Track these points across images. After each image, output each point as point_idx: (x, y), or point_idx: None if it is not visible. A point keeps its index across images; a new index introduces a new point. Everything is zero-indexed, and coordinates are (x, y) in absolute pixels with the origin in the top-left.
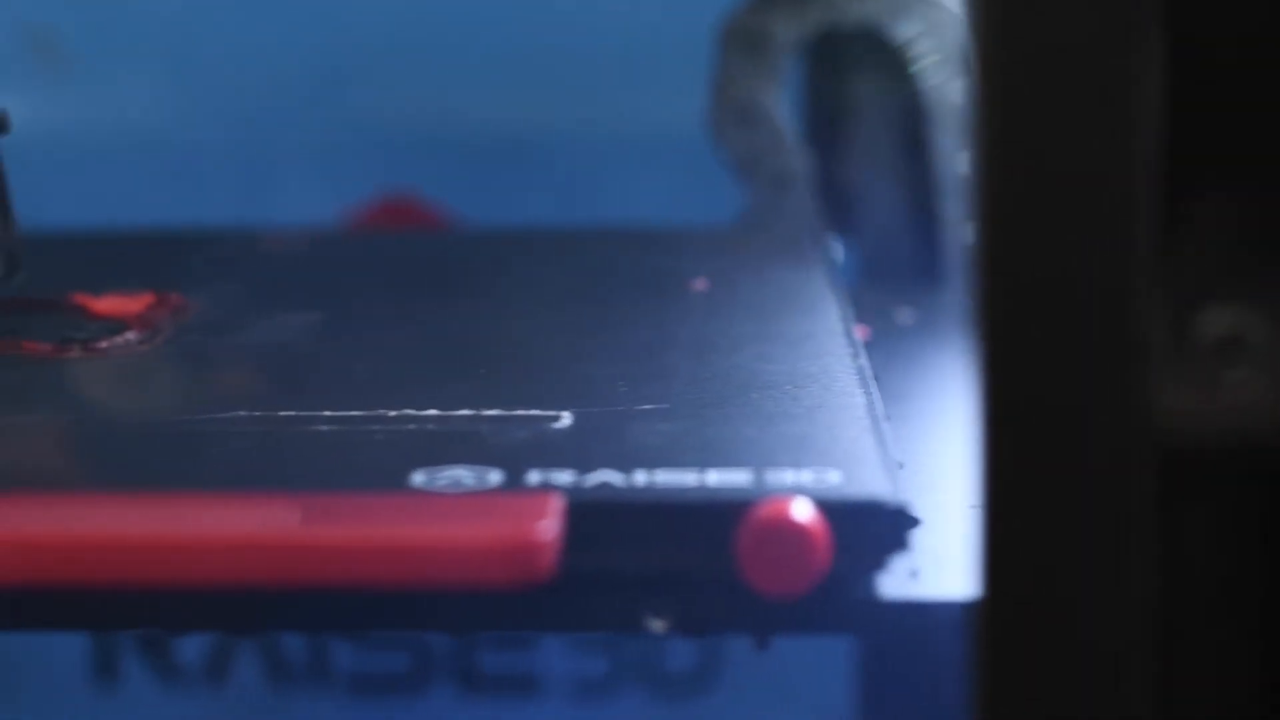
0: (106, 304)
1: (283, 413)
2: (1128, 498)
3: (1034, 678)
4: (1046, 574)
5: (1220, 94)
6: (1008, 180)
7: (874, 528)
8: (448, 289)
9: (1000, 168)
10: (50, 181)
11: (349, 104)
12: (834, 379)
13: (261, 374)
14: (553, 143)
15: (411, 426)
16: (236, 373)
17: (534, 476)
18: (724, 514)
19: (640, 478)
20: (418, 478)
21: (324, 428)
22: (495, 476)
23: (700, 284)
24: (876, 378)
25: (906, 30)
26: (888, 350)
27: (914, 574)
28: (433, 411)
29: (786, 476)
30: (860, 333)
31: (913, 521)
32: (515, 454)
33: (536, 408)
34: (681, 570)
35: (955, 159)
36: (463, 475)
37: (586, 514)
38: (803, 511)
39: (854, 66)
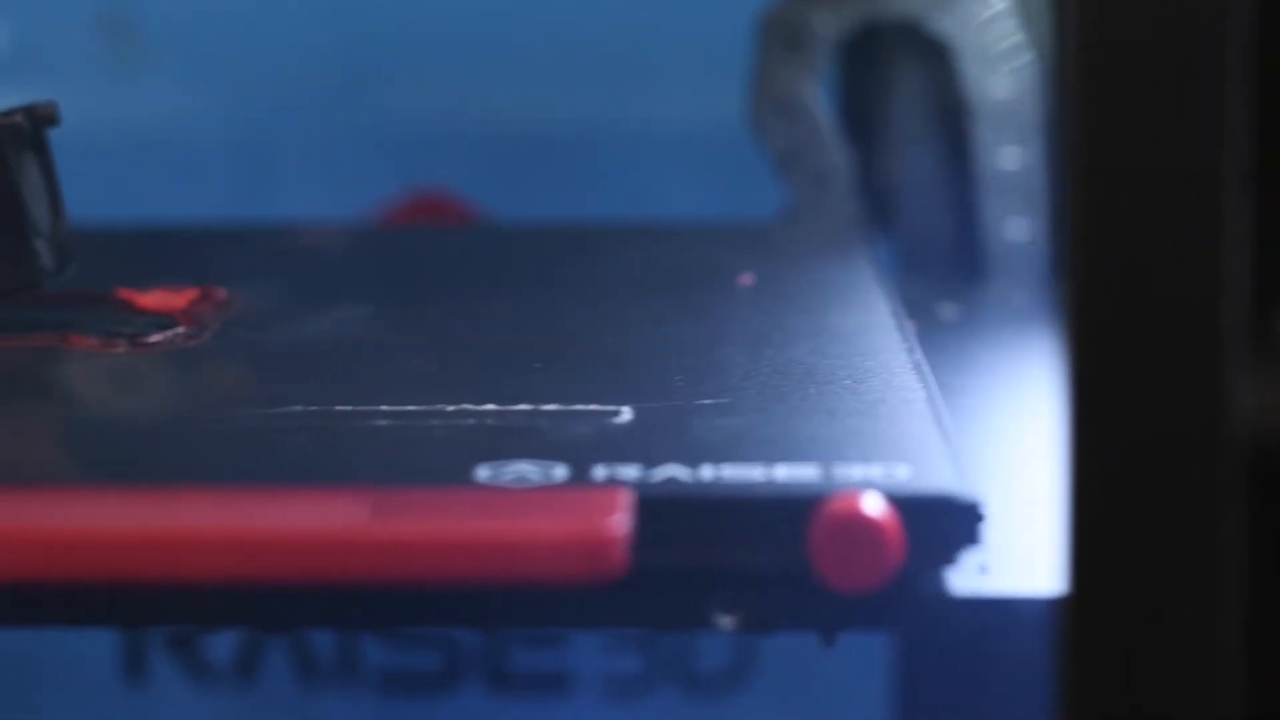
0: (151, 299)
1: (339, 408)
2: (1214, 495)
3: (1120, 675)
4: (1133, 572)
5: None
6: (1096, 183)
7: (946, 523)
8: (492, 284)
9: (1089, 171)
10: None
11: (380, 100)
12: (892, 373)
13: (313, 369)
14: (581, 138)
15: (470, 421)
16: (288, 368)
17: (600, 471)
18: (794, 509)
19: (707, 473)
20: (482, 472)
21: (382, 423)
22: (560, 471)
23: (746, 279)
24: None
25: (947, 24)
26: (933, 345)
27: (983, 569)
28: (491, 406)
29: (855, 471)
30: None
31: (984, 517)
32: (579, 449)
33: (596, 402)
34: (751, 565)
35: (996, 154)
36: (528, 470)
37: (655, 509)
38: (875, 506)
39: (893, 60)
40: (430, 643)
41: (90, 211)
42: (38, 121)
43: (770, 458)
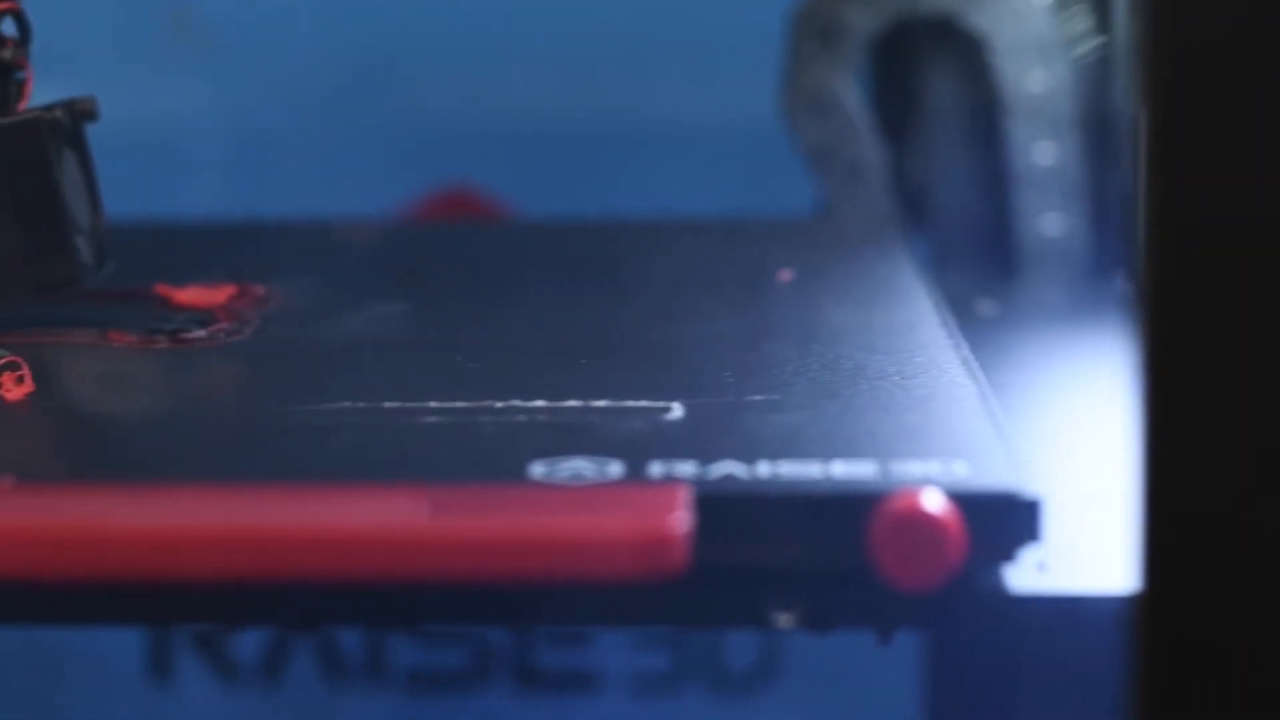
0: (189, 295)
1: (387, 404)
2: None
3: (1197, 673)
4: (1210, 571)
5: None
6: (1176, 199)
7: (1007, 520)
8: (528, 280)
9: (1168, 186)
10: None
11: (404, 98)
12: (941, 370)
13: (358, 365)
14: (605, 135)
15: (521, 418)
16: (332, 364)
17: (656, 468)
18: (854, 506)
19: (764, 470)
20: (537, 469)
21: (432, 419)
22: (616, 468)
23: (786, 275)
24: None
25: (982, 19)
26: (973, 341)
27: (1041, 567)
28: (541, 403)
29: (913, 468)
30: None
31: (1044, 514)
32: (633, 445)
33: (646, 398)
34: (809, 563)
35: (1031, 149)
36: (583, 467)
37: (714, 507)
38: (936, 503)
39: (928, 55)
40: (457, 641)
41: (119, 208)
42: (77, 116)
43: (826, 454)
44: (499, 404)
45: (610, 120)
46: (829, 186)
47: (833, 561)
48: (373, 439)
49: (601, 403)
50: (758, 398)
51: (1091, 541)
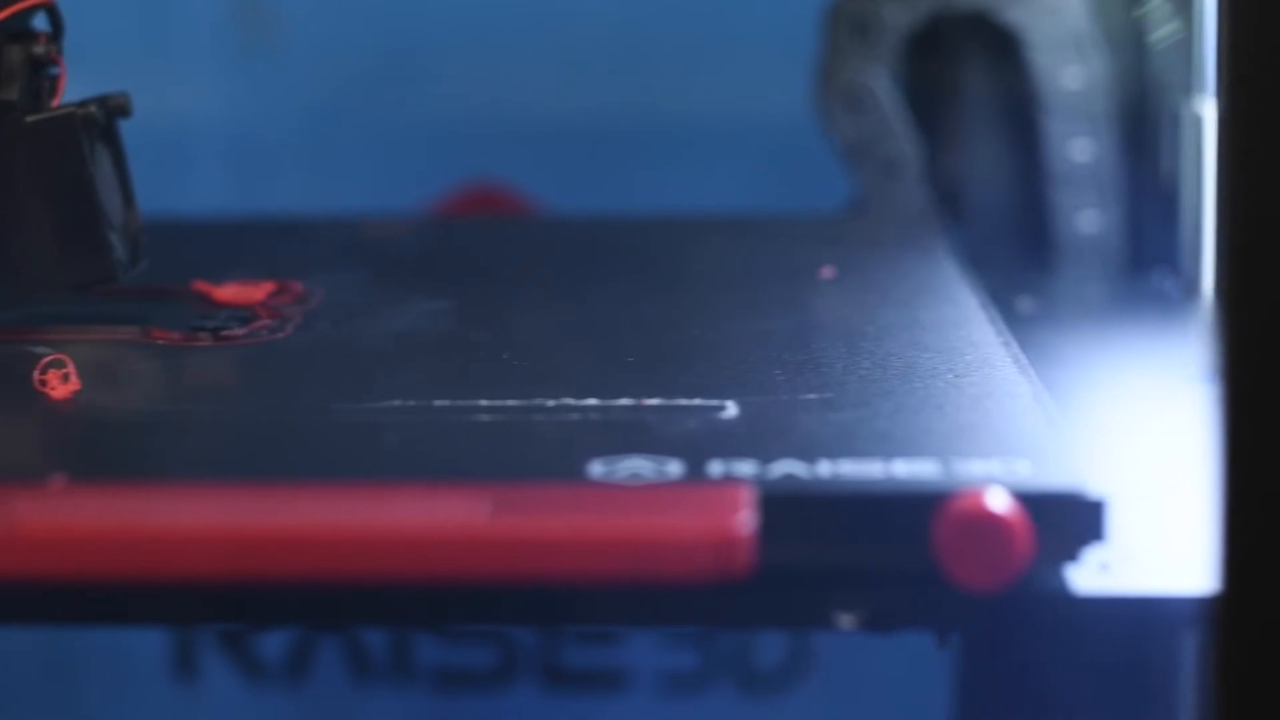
0: (228, 292)
1: (438, 402)
2: None
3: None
4: None
5: None
6: (1254, 195)
7: (1072, 519)
8: (567, 276)
9: (1246, 182)
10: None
11: (432, 94)
12: (994, 367)
13: (404, 363)
14: (630, 131)
15: (575, 416)
16: (378, 361)
17: (715, 468)
18: (918, 506)
19: (824, 469)
20: (596, 468)
21: (484, 417)
22: (675, 467)
23: (828, 271)
24: None
25: (1018, 14)
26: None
27: (1104, 567)
28: (593, 401)
29: (976, 467)
30: None
31: (1110, 513)
32: (691, 444)
33: (698, 397)
34: (871, 563)
35: (1067, 145)
36: (642, 466)
37: (776, 507)
38: (1002, 503)
39: (963, 51)
40: (484, 640)
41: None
42: (111, 112)
43: (886, 454)
44: (550, 402)
45: (635, 116)
46: (864, 182)
47: (896, 562)
48: (426, 438)
49: (654, 401)
50: (811, 396)
51: (1152, 541)
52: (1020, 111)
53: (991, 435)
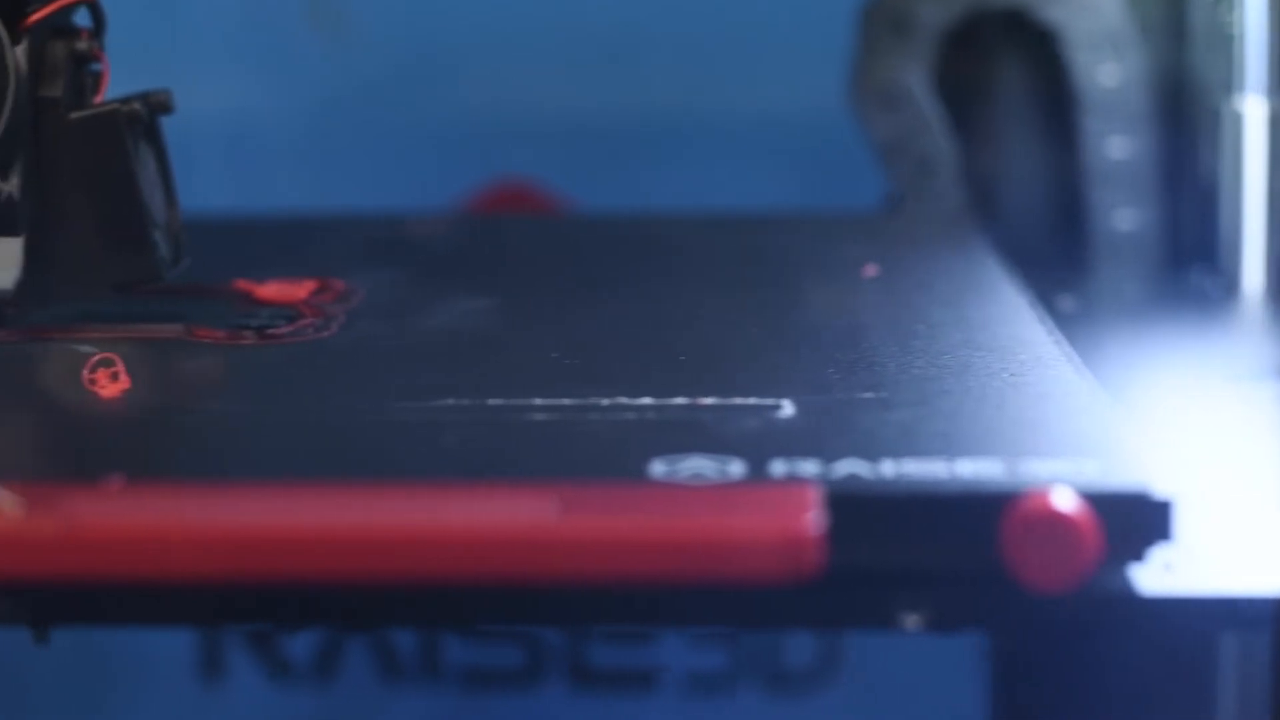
0: (271, 290)
1: (491, 401)
2: None
3: None
4: None
5: None
6: None
7: (1139, 519)
8: (608, 274)
9: None
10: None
11: (457, 92)
12: (1048, 366)
13: (453, 361)
14: (657, 128)
15: (631, 416)
16: (427, 360)
17: (778, 467)
18: (985, 506)
19: (888, 469)
20: (657, 468)
21: (540, 416)
22: (737, 467)
23: (871, 270)
24: None
25: (1055, 12)
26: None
27: (1168, 567)
28: (648, 400)
29: (1041, 467)
30: None
31: (1177, 513)
32: (751, 444)
33: (753, 395)
34: (938, 563)
35: (1104, 143)
36: (704, 465)
37: (843, 507)
38: (1070, 502)
39: (1000, 48)
40: (511, 640)
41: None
42: (153, 109)
43: (949, 453)
44: (605, 401)
45: (665, 114)
46: (899, 180)
47: (961, 562)
48: (482, 437)
49: (710, 400)
50: (867, 395)
51: (1213, 541)
52: (1057, 109)
53: (1054, 434)
